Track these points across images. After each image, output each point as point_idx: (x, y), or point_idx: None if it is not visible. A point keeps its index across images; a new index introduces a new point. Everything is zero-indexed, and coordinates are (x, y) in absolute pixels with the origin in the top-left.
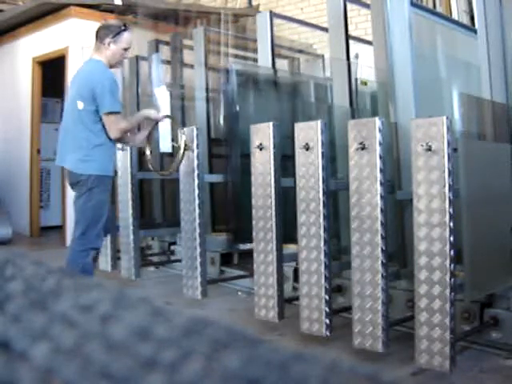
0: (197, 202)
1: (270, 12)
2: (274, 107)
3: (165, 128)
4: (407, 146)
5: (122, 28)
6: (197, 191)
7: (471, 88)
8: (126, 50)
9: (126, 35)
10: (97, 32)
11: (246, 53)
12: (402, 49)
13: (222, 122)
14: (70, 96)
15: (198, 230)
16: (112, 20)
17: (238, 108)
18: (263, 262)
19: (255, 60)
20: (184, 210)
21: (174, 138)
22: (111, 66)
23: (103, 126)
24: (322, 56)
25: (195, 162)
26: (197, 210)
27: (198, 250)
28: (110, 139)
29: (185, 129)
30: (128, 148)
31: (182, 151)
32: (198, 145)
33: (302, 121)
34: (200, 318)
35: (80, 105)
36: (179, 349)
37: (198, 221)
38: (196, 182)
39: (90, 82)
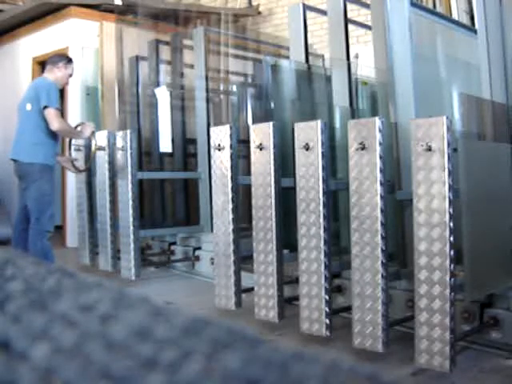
0: (231, 206)
1: (303, 4)
2: (310, 105)
3: (165, 128)
4: (407, 146)
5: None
6: (230, 194)
7: (471, 88)
8: (70, 75)
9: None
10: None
11: (246, 53)
12: (401, 49)
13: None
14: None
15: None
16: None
17: (272, 105)
18: (263, 261)
19: (256, 60)
20: (212, 213)
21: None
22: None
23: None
24: (322, 56)
25: (229, 163)
26: (230, 215)
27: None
28: (52, 133)
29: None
30: (128, 148)
31: (93, 151)
32: (231, 145)
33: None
34: (200, 318)
35: (28, 106)
36: (179, 349)
37: (232, 226)
38: (230, 184)
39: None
